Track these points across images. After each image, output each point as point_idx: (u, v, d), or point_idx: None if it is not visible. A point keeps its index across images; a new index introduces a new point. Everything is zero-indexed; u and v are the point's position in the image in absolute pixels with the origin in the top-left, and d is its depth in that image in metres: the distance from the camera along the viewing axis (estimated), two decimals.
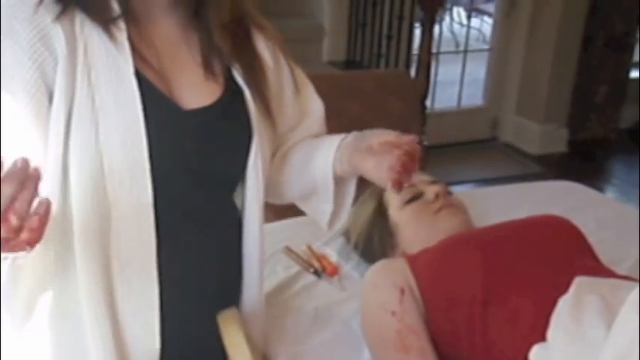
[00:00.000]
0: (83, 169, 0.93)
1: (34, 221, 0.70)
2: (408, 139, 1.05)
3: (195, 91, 1.03)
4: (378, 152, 1.07)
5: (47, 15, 0.90)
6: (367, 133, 1.13)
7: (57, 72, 0.90)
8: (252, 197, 1.11)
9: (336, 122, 2.22)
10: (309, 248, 1.64)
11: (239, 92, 1.07)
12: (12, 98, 0.89)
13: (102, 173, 0.94)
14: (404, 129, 2.28)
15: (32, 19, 0.89)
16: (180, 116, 1.01)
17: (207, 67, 1.06)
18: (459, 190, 2.18)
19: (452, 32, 6.21)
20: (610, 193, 3.75)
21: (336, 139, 1.17)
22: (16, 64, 0.89)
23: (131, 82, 0.94)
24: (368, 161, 1.08)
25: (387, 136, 1.09)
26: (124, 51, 0.94)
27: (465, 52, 4.48)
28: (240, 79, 1.07)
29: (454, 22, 6.46)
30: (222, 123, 1.05)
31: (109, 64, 0.94)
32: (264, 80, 1.11)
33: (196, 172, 1.03)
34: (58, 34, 0.90)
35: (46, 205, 0.71)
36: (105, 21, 0.94)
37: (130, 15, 0.96)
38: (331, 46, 4.10)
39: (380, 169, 1.04)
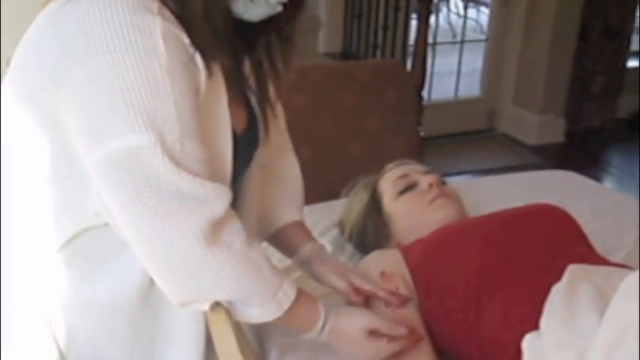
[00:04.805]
0: None
1: None
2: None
3: (234, 117, 1.07)
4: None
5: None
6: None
7: None
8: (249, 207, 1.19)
9: (331, 113, 2.22)
10: None
11: (255, 119, 1.14)
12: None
13: None
14: (399, 119, 2.30)
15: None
16: (238, 143, 1.06)
17: (241, 96, 1.12)
18: (456, 181, 2.16)
19: (449, 23, 6.19)
20: (608, 183, 3.73)
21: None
22: None
23: (226, 114, 1.01)
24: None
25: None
26: (219, 83, 0.99)
27: (462, 42, 4.46)
28: (256, 108, 1.14)
29: (451, 12, 6.43)
30: (251, 147, 1.15)
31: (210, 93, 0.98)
32: (272, 110, 1.17)
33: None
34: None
35: None
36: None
37: None
38: (327, 38, 4.09)
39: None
